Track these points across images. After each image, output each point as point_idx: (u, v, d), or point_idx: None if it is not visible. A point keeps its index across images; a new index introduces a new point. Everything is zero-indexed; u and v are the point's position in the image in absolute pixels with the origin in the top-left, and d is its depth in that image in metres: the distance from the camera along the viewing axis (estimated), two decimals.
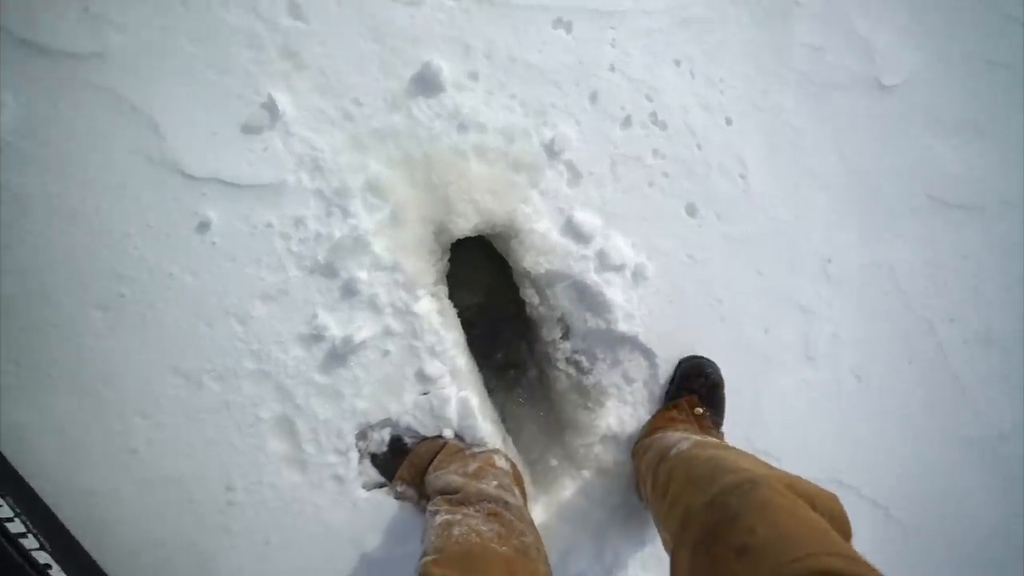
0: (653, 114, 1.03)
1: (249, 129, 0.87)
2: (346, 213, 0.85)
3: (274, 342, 0.83)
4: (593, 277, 0.87)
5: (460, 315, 0.89)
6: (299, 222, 0.85)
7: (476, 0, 0.98)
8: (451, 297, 0.89)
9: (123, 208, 0.84)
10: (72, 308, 0.81)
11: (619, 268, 0.89)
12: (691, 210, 1.02)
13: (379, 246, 0.84)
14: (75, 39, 0.84)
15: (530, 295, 0.87)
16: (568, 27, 1.01)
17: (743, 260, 1.05)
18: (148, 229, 0.84)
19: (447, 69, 0.93)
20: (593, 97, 0.99)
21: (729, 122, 1.08)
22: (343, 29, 0.93)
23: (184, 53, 0.87)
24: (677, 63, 1.07)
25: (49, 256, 0.83)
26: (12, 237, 0.81)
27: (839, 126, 1.17)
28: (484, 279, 0.95)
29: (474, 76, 0.95)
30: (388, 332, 0.82)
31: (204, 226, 0.84)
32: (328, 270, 0.84)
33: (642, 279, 0.93)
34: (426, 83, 0.93)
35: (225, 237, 0.84)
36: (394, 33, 0.94)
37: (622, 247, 0.92)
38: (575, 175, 0.95)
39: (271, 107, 0.87)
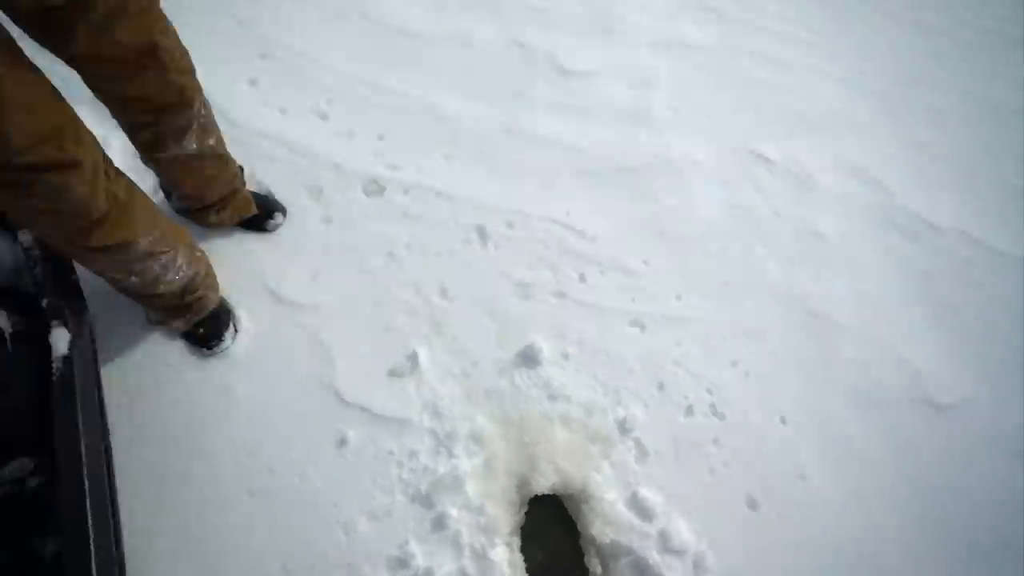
0: (712, 406, 1.22)
1: (394, 373, 1.16)
2: (451, 454, 1.06)
3: (366, 560, 0.97)
4: (655, 557, 0.97)
5: (526, 570, 1.00)
6: (413, 454, 1.07)
7: (572, 300, 1.31)
8: (521, 550, 1.01)
9: (290, 415, 1.11)
10: (229, 490, 1.03)
11: (680, 553, 0.99)
12: (752, 503, 1.12)
13: (471, 488, 1.01)
14: (302, 294, 1.23)
15: (594, 564, 0.97)
16: (642, 327, 1.30)
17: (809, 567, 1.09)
18: (303, 435, 1.08)
19: (546, 349, 1.22)
20: (660, 386, 1.21)
21: (784, 421, 1.24)
22: (474, 309, 1.27)
23: (364, 314, 1.23)
24: (734, 364, 1.29)
25: (227, 440, 1.08)
26: (215, 420, 1.08)
27: (897, 441, 1.27)
28: (552, 538, 1.07)
29: (566, 356, 1.22)
30: (463, 573, 0.94)
31: (343, 442, 1.07)
32: (426, 501, 1.01)
33: (703, 570, 1.00)
34: (528, 358, 1.20)
35: (356, 455, 1.06)
36: (509, 317, 1.27)
37: (684, 531, 1.02)
38: (642, 452, 1.12)
39: (413, 359, 1.17)
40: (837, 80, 1.93)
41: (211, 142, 1.06)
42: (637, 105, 1.70)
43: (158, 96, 0.92)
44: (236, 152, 1.17)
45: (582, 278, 1.35)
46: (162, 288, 0.98)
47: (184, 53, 0.93)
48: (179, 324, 1.10)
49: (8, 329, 0.92)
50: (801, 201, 1.57)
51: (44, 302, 0.94)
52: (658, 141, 1.63)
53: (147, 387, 1.08)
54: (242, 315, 1.17)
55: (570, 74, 1.72)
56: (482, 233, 1.38)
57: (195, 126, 1.00)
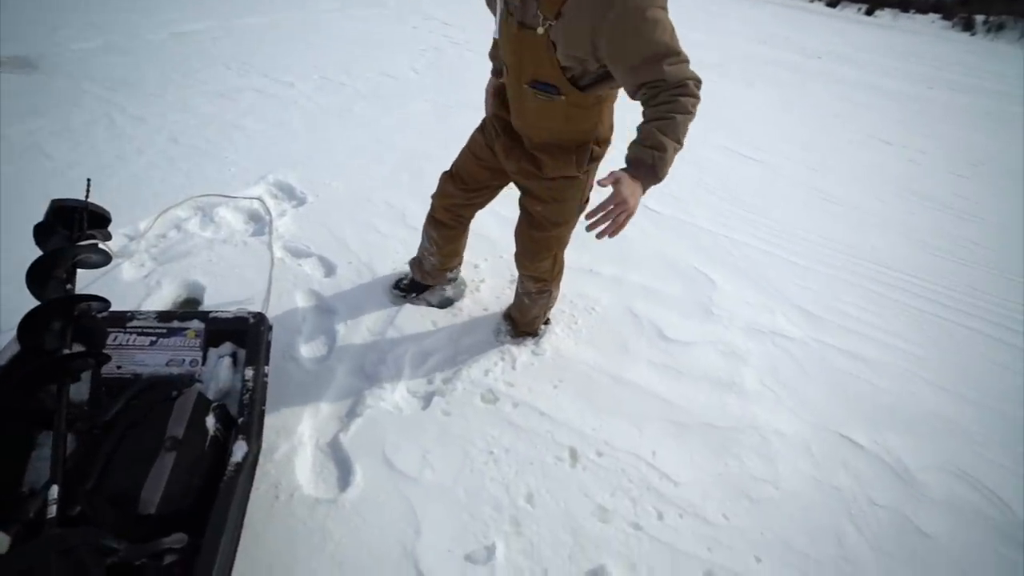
0: None
1: (470, 559, 1.25)
2: None
3: None
4: None
5: None
6: None
7: (648, 534, 1.35)
8: None
9: (371, 569, 1.21)
10: None
11: None
12: None
13: None
14: (411, 467, 1.44)
15: None
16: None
17: None
18: None
19: (615, 575, 1.23)
20: None
21: None
22: (554, 520, 1.37)
23: (456, 498, 1.39)
24: None
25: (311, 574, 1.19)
26: (306, 553, 1.21)
27: None
28: None
29: None
30: None
31: None
32: None
33: None
34: None
35: None
36: (585, 535, 1.34)
37: None
38: None
39: (490, 551, 1.26)
40: (935, 387, 2.01)
41: None
42: (728, 376, 1.92)
43: None
44: None
45: (660, 516, 1.40)
46: None
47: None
48: None
49: (210, 432, 1.25)
50: (899, 494, 1.54)
51: (240, 420, 1.27)
52: (746, 409, 1.79)
53: (264, 508, 1.29)
54: (358, 469, 1.40)
55: (670, 341, 2.04)
56: (573, 454, 1.55)
57: None
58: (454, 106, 4.09)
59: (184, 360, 1.42)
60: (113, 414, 1.23)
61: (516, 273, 2.21)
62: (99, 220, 1.52)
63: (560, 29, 1.10)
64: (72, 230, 1.45)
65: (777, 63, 9.12)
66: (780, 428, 1.73)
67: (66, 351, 1.29)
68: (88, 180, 1.56)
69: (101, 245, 1.48)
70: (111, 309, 1.46)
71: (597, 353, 1.91)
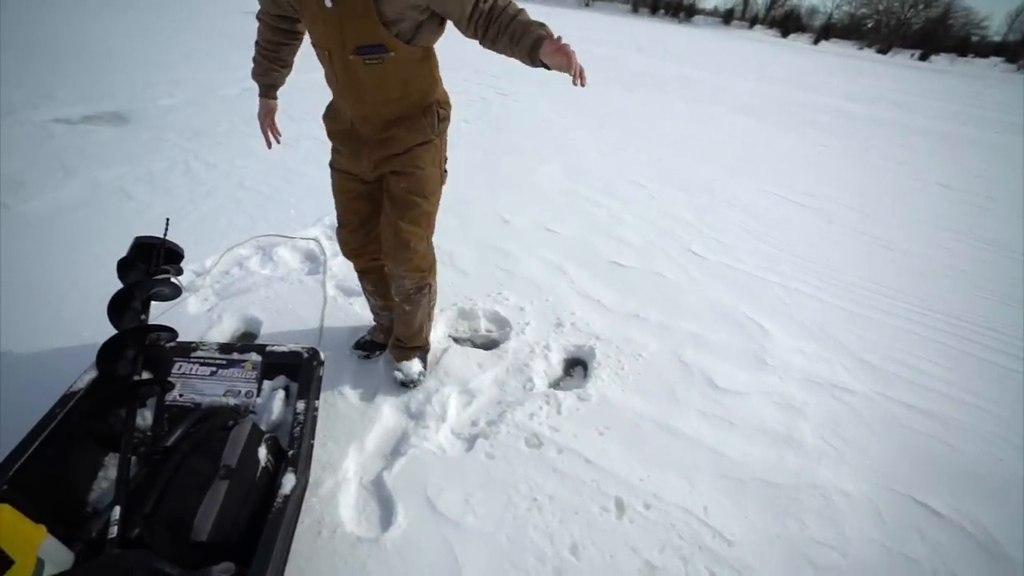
0: None
1: None
2: None
3: None
4: None
5: None
6: None
7: None
8: None
9: None
10: None
11: None
12: None
13: None
14: (453, 510, 1.41)
15: None
16: None
17: None
18: None
19: None
20: None
21: None
22: (599, 573, 1.29)
23: (498, 544, 1.34)
24: None
25: None
26: None
27: None
28: None
29: None
30: None
31: None
32: None
33: None
34: None
35: None
36: None
37: None
38: None
39: None
40: None
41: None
42: (785, 430, 1.81)
43: None
44: None
45: None
46: None
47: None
48: None
49: (261, 463, 1.27)
50: (987, 570, 1.38)
51: (290, 453, 1.29)
52: (806, 466, 1.67)
53: (307, 542, 1.28)
54: (400, 509, 1.38)
55: (721, 390, 1.96)
56: (620, 505, 1.48)
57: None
58: (502, 154, 4.23)
59: (240, 391, 1.48)
60: (173, 440, 1.28)
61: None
62: (173, 256, 1.64)
63: None
64: (149, 265, 1.56)
65: (827, 110, 9.04)
66: (845, 488, 1.61)
67: (136, 378, 1.36)
68: (167, 219, 1.69)
69: (173, 279, 1.59)
70: (177, 339, 1.54)
71: (644, 400, 1.85)
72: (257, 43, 1.51)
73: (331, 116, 1.49)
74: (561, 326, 2.17)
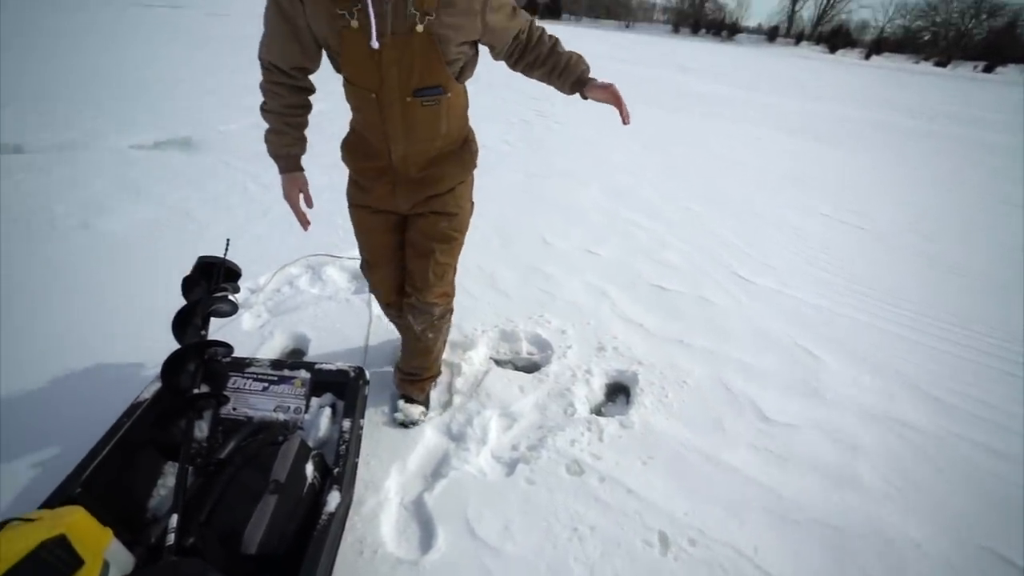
0: None
1: None
2: None
3: None
4: None
5: None
6: None
7: None
8: None
9: None
10: None
11: None
12: None
13: None
14: (493, 536, 1.40)
15: None
16: None
17: None
18: None
19: None
20: None
21: None
22: None
23: (535, 574, 1.31)
24: None
25: None
26: None
27: None
28: None
29: None
30: None
31: None
32: None
33: None
34: None
35: None
36: None
37: None
38: None
39: None
40: None
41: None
42: (842, 467, 1.71)
43: None
44: None
45: None
46: None
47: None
48: None
49: (308, 479, 1.30)
50: None
51: (335, 471, 1.32)
52: (866, 508, 1.57)
53: (349, 561, 1.29)
54: (440, 532, 1.38)
55: (772, 422, 1.87)
56: (664, 540, 1.43)
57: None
58: (544, 176, 4.27)
59: (290, 407, 1.52)
60: (227, 452, 1.33)
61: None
62: (232, 275, 1.72)
63: (441, 20, 1.09)
64: (210, 282, 1.64)
65: (880, 126, 8.70)
66: (911, 535, 1.49)
67: (195, 391, 1.43)
68: (227, 240, 1.78)
69: (231, 297, 1.67)
70: (233, 354, 1.61)
71: (690, 430, 1.80)
72: (272, 111, 1.31)
73: (361, 153, 1.37)
74: (603, 350, 2.14)
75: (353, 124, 1.37)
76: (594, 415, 1.83)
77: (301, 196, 1.42)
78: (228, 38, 11.32)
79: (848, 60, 41.89)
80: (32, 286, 2.24)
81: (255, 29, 1.29)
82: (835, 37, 53.85)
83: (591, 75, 1.29)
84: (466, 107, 1.37)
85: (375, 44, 1.08)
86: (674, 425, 1.81)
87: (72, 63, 7.16)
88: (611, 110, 1.33)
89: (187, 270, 1.60)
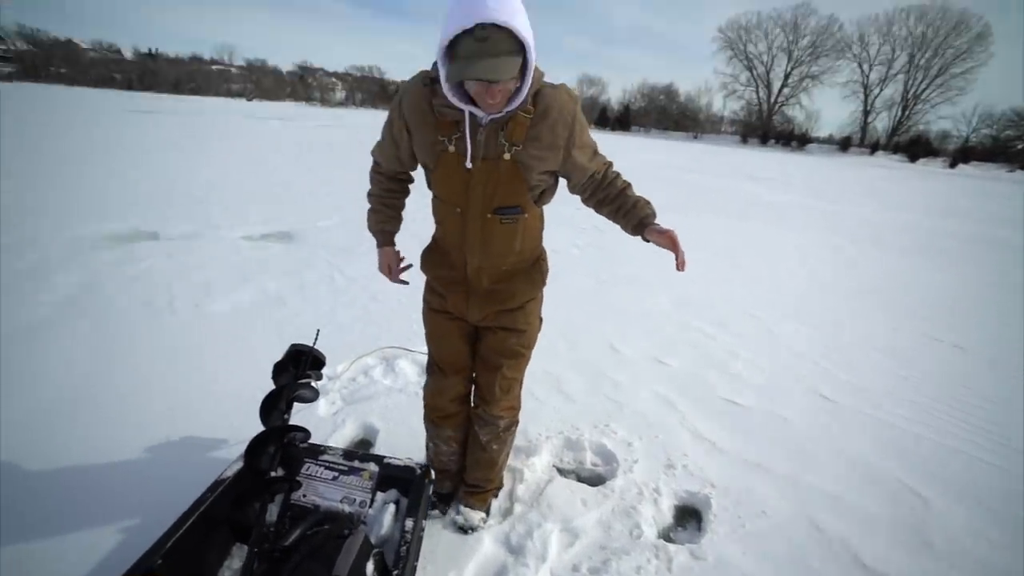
0: None
1: None
2: None
3: None
4: None
5: None
6: None
7: None
8: None
9: None
10: None
11: None
12: None
13: None
14: None
15: None
16: None
17: None
18: None
19: None
20: None
21: None
22: None
23: None
24: None
25: None
26: None
27: None
28: None
29: None
30: None
31: None
32: None
33: None
34: None
35: None
36: None
37: None
38: None
39: None
40: None
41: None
42: None
43: None
44: None
45: None
46: None
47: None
48: None
49: None
50: None
51: (395, 573, 1.30)
52: None
53: None
54: None
55: (871, 570, 1.65)
56: None
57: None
58: (612, 282, 4.35)
59: (356, 499, 1.54)
60: (293, 540, 1.35)
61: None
62: (317, 363, 1.84)
63: (527, 151, 1.23)
64: (297, 368, 1.77)
65: (972, 237, 8.21)
66: None
67: (272, 473, 1.49)
68: (318, 330, 1.94)
69: (314, 383, 1.78)
70: (309, 440, 1.69)
71: (772, 570, 1.62)
72: (373, 194, 1.52)
73: (439, 263, 1.47)
74: (672, 468, 2.03)
75: (435, 235, 1.49)
76: (662, 540, 1.70)
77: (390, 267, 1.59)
78: (331, 146, 12.95)
79: (931, 169, 40.80)
80: (142, 358, 2.50)
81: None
82: (914, 146, 52.96)
83: (656, 220, 1.38)
84: (541, 229, 1.48)
85: (468, 165, 1.23)
86: (753, 562, 1.64)
87: (201, 165, 8.43)
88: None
89: (276, 352, 1.75)
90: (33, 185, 6.07)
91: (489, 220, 1.31)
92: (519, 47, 1.04)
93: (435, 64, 1.16)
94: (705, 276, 4.75)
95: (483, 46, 0.99)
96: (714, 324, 3.58)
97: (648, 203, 1.39)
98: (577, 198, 1.47)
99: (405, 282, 1.62)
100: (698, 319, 3.65)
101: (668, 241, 1.31)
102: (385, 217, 1.54)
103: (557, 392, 2.49)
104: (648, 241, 1.37)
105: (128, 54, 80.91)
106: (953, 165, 46.41)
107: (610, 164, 1.43)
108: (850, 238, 7.35)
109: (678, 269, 1.33)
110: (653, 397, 2.54)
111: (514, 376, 1.57)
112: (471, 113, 1.18)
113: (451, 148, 1.23)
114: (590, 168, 1.36)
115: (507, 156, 1.23)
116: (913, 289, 5.02)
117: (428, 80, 1.22)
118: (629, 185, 1.43)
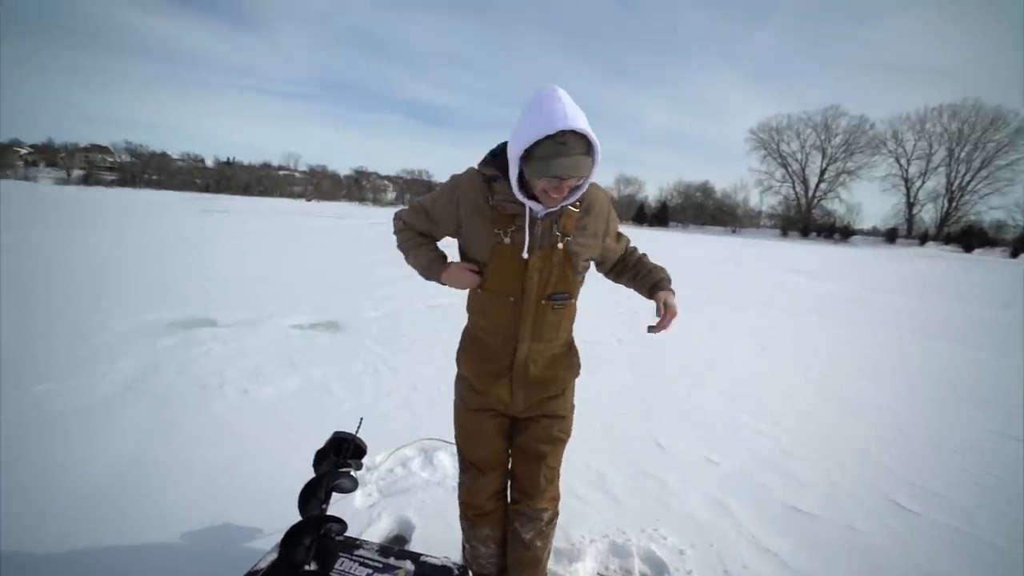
0: None
1: None
2: None
3: None
4: None
5: None
6: None
7: None
8: None
9: None
10: None
11: None
12: None
13: None
14: None
15: None
16: None
17: None
18: None
19: None
20: None
21: None
22: None
23: None
24: None
25: None
26: None
27: None
28: None
29: None
30: None
31: None
32: None
33: None
34: None
35: None
36: None
37: None
38: None
39: None
40: None
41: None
42: None
43: None
44: None
45: None
46: None
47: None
48: None
49: None
50: None
51: None
52: None
53: None
54: None
55: None
56: None
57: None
58: (654, 373, 4.24)
59: None
60: None
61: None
62: (359, 452, 1.84)
63: (576, 240, 1.37)
64: (339, 457, 1.77)
65: None
66: None
67: (306, 567, 1.45)
68: (361, 419, 1.96)
69: (353, 473, 1.76)
70: (345, 533, 1.64)
71: None
72: (407, 240, 1.48)
73: (482, 357, 1.47)
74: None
75: (475, 331, 1.49)
76: None
77: (466, 270, 1.42)
78: (377, 241, 13.75)
79: (990, 259, 39.05)
80: (189, 440, 2.56)
81: None
82: (968, 236, 51.19)
83: (670, 286, 1.52)
84: (575, 315, 1.53)
85: (526, 255, 1.32)
86: None
87: (261, 258, 9.07)
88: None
89: (317, 439, 1.76)
90: (109, 276, 6.67)
91: (543, 306, 1.38)
92: (590, 148, 1.17)
93: (486, 162, 1.33)
94: (753, 370, 4.57)
95: (563, 148, 1.13)
96: (766, 420, 3.38)
97: (663, 269, 1.56)
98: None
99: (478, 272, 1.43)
100: (748, 415, 3.46)
101: (665, 299, 1.46)
102: (432, 247, 1.48)
103: (601, 491, 2.36)
104: (651, 299, 1.51)
105: (210, 162, 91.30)
106: (1015, 255, 44.33)
107: (630, 240, 1.62)
108: (909, 330, 6.98)
109: (649, 329, 1.45)
110: (704, 499, 2.37)
111: (556, 464, 1.56)
112: (529, 208, 1.30)
113: (507, 240, 1.32)
114: (619, 250, 1.57)
115: (560, 246, 1.34)
116: (993, 385, 4.63)
117: (486, 177, 1.34)
118: (646, 255, 1.62)
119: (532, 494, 1.53)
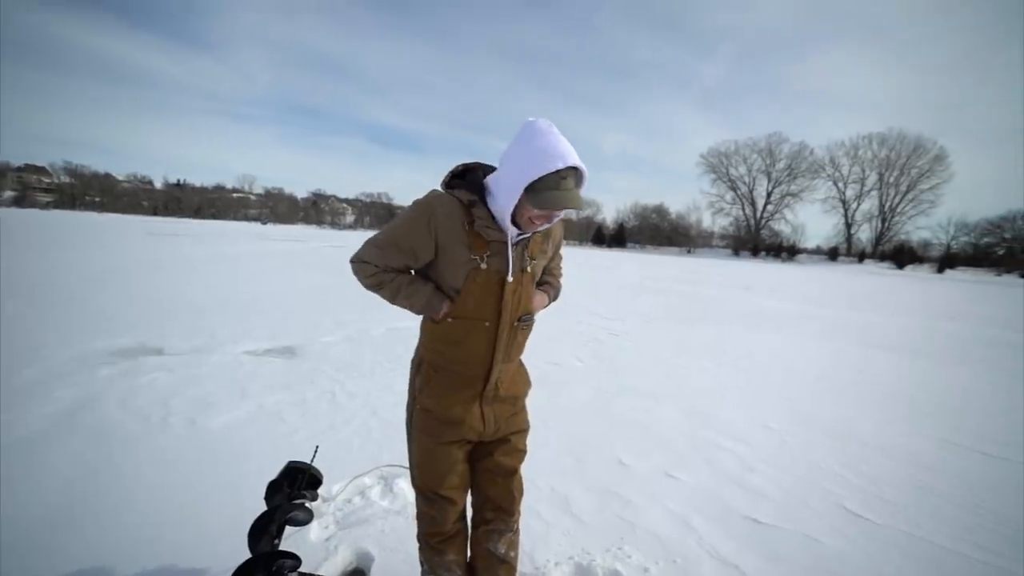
0: None
1: None
2: None
3: None
4: None
5: None
6: None
7: None
8: None
9: None
10: None
11: None
12: None
13: None
14: None
15: None
16: None
17: None
18: None
19: None
20: None
21: None
22: None
23: None
24: None
25: None
26: None
27: None
28: None
29: None
30: None
31: None
32: None
33: None
34: None
35: None
36: None
37: None
38: None
39: None
40: None
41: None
42: None
43: None
44: None
45: None
46: None
47: None
48: None
49: None
50: None
51: None
52: None
53: None
54: None
55: None
56: None
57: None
58: (616, 393, 4.27)
59: None
60: None
61: None
62: (314, 482, 1.76)
63: (539, 262, 1.47)
64: (292, 488, 1.69)
65: (985, 341, 8.17)
66: None
67: None
68: (316, 447, 1.88)
69: (308, 504, 1.68)
70: (299, 569, 1.55)
71: None
72: (394, 285, 1.38)
73: (451, 387, 1.43)
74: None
75: (439, 362, 1.43)
76: None
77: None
78: (334, 264, 13.47)
79: (920, 275, 41.85)
80: (131, 476, 2.39)
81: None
82: (900, 254, 55.12)
83: (551, 292, 1.62)
84: None
85: (510, 279, 1.35)
86: None
87: (211, 283, 8.71)
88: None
89: (269, 470, 1.67)
90: (46, 303, 6.24)
91: (515, 328, 1.42)
92: (580, 181, 1.26)
93: (454, 186, 1.35)
94: (712, 386, 4.68)
95: (565, 182, 1.21)
96: (725, 435, 3.45)
97: (558, 280, 1.69)
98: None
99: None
100: (708, 430, 3.53)
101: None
102: (422, 282, 1.39)
103: (565, 512, 2.34)
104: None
105: (158, 184, 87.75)
106: (941, 270, 48.09)
107: (562, 257, 1.72)
108: (855, 342, 7.34)
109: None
110: (667, 515, 2.38)
111: (521, 474, 1.60)
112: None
113: (483, 265, 1.33)
114: (559, 262, 1.68)
115: (528, 269, 1.41)
116: (931, 393, 4.90)
117: (463, 202, 1.33)
118: (557, 267, 1.70)
119: (508, 508, 1.54)
